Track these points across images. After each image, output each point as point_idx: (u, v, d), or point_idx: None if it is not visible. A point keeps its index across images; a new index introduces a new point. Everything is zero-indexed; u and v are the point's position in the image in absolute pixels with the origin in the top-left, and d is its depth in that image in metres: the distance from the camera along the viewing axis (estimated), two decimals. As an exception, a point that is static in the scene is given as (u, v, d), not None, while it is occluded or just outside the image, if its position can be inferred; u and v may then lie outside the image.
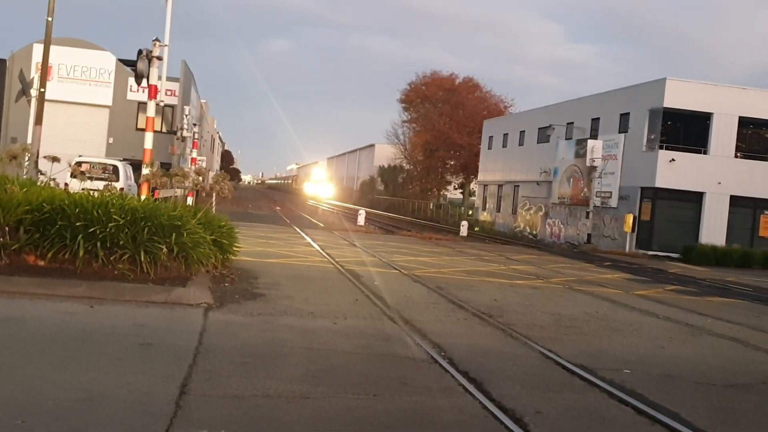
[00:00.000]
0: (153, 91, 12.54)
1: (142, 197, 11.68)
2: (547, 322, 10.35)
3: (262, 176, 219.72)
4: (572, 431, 5.52)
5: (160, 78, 12.79)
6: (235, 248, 12.15)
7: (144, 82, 12.64)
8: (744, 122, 32.80)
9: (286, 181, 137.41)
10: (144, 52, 12.18)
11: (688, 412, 6.24)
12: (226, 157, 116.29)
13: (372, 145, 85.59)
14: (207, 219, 11.41)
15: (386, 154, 71.41)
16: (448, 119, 65.39)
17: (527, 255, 22.73)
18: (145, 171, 12.10)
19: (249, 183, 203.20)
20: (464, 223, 30.68)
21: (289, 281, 11.74)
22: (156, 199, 12.92)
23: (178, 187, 14.04)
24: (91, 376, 5.68)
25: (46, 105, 18.59)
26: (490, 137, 53.20)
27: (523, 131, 47.19)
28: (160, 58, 12.60)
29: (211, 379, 5.94)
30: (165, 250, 9.57)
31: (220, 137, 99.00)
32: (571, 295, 14.14)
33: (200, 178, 12.44)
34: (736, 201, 32.11)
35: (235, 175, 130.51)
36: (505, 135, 50.60)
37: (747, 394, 7.27)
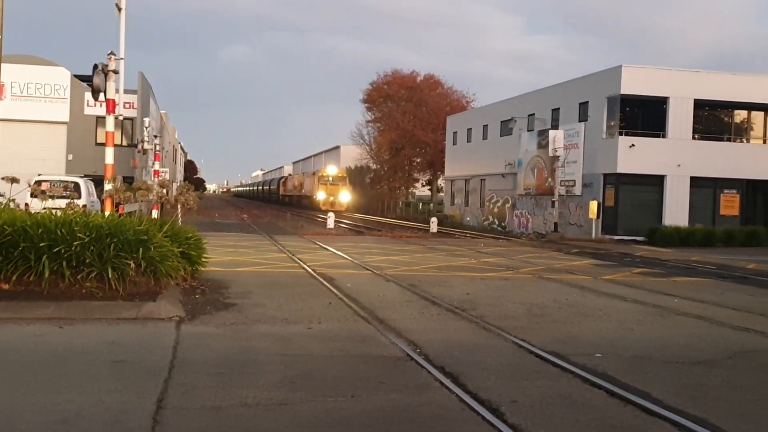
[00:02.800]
0: (111, 106, 12.39)
1: (107, 213, 11.54)
2: (519, 312, 10.50)
3: (227, 184, 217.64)
4: (548, 417, 5.62)
5: (117, 92, 12.63)
6: (204, 259, 12.06)
7: (101, 97, 12.48)
8: (700, 104, 33.56)
9: (259, 188, 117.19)
10: (100, 67, 12.03)
11: (659, 391, 6.40)
12: (190, 167, 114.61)
13: (337, 147, 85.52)
14: (174, 231, 11.32)
15: (352, 154, 71.41)
16: (411, 117, 65.66)
17: (497, 247, 22.97)
18: (107, 186, 11.94)
19: (214, 192, 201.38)
20: (434, 220, 30.82)
21: (261, 289, 11.71)
22: (121, 214, 12.78)
23: (142, 201, 13.83)
24: (65, 398, 5.62)
25: (0, 125, 18.23)
26: (455, 133, 53.56)
27: (486, 125, 47.61)
28: (116, 72, 12.45)
29: (188, 392, 5.92)
30: (132, 265, 9.49)
31: (182, 147, 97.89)
32: (541, 284, 14.34)
33: (164, 191, 12.30)
34: (696, 182, 32.85)
35: (199, 184, 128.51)
36: (469, 130, 50.99)
37: (714, 369, 7.47)
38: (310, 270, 14.57)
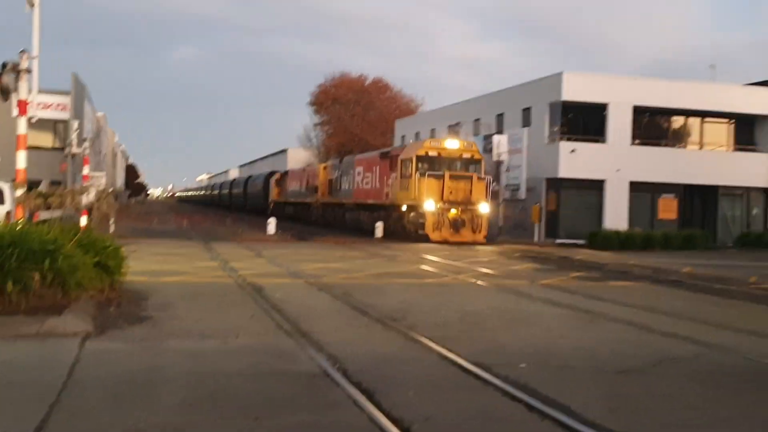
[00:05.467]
0: (22, 107, 11.67)
1: (20, 221, 10.85)
2: (451, 320, 10.25)
3: (172, 189, 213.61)
4: (461, 436, 5.34)
5: (31, 91, 11.92)
6: (124, 269, 11.46)
7: (14, 98, 11.76)
8: (639, 111, 34.21)
9: (209, 192, 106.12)
10: (9, 65, 11.32)
11: (579, 404, 6.19)
12: (131, 172, 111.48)
13: (284, 151, 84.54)
14: (89, 240, 10.71)
15: (300, 158, 70.56)
16: (360, 120, 65.40)
17: (441, 252, 22.80)
18: (17, 193, 11.24)
19: (158, 197, 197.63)
20: (379, 224, 30.43)
21: (183, 300, 11.18)
22: (36, 222, 12.08)
23: (59, 207, 13.15)
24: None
25: None
26: (403, 137, 53.51)
27: (434, 129, 47.70)
28: (29, 71, 11.75)
29: (74, 416, 5.44)
30: (37, 277, 8.87)
31: (122, 151, 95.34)
32: (479, 290, 14.18)
33: (83, 197, 11.66)
34: (635, 186, 33.44)
35: (140, 189, 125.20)
36: (417, 134, 51.02)
37: (638, 378, 7.33)
38: (239, 279, 14.07)
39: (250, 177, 69.78)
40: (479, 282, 15.37)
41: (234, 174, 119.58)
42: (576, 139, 32.99)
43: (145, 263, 15.60)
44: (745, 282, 17.19)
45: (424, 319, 10.19)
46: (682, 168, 34.21)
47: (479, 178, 28.31)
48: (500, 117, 39.23)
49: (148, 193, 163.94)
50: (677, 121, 36.96)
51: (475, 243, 27.49)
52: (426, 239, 27.23)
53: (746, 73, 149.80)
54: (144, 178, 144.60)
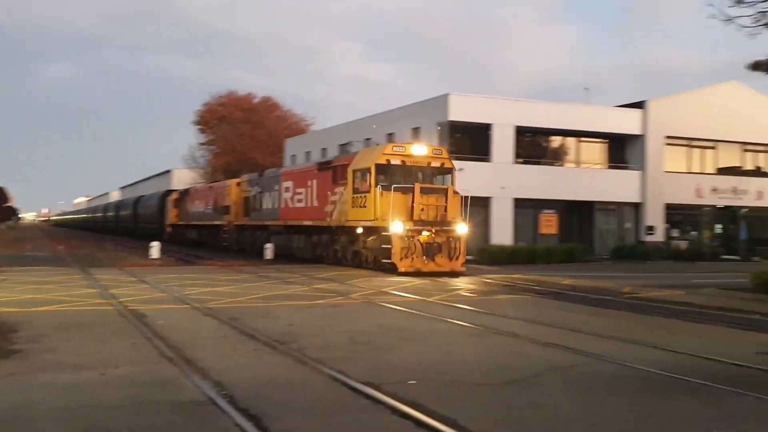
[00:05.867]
0: None
1: None
2: (341, 341, 10.21)
3: (47, 213, 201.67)
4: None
5: None
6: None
7: None
8: (521, 131, 35.84)
9: (89, 215, 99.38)
10: None
11: (466, 417, 6.31)
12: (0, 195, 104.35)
13: (168, 171, 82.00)
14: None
15: (185, 179, 68.52)
16: (248, 139, 64.44)
17: (332, 272, 22.70)
18: None
19: (32, 222, 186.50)
20: (268, 246, 29.96)
21: (58, 331, 10.51)
22: None
23: None
24: None
25: None
26: (293, 156, 53.23)
27: (325, 148, 47.77)
28: None
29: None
30: None
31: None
32: (370, 309, 14.22)
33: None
34: (519, 203, 34.92)
35: (9, 214, 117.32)
36: (308, 153, 50.92)
37: (521, 389, 7.57)
38: (120, 307, 13.40)
39: (141, 197, 63.81)
40: (371, 301, 15.42)
41: (115, 196, 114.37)
42: (464, 158, 34.01)
43: (16, 293, 14.59)
44: (620, 292, 18.25)
45: (313, 342, 10.08)
46: (561, 185, 36.09)
47: (455, 192, 23.30)
48: (390, 136, 39.82)
49: (20, 217, 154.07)
50: (556, 141, 38.97)
51: (453, 273, 22.33)
52: (391, 269, 21.98)
53: (618, 94, 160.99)
54: (14, 201, 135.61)
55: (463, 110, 34.68)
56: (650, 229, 39.47)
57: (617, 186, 37.80)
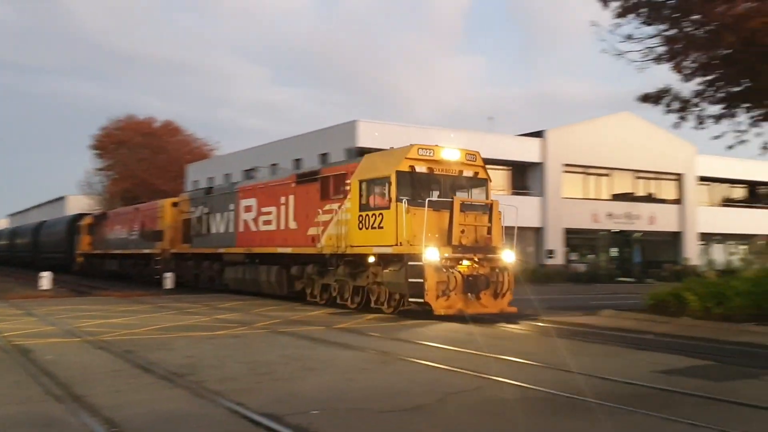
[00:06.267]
0: None
1: None
2: (242, 372, 9.88)
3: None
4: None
5: None
6: None
7: None
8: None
9: None
10: None
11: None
12: None
13: (62, 198, 78.31)
14: None
15: (80, 206, 65.40)
16: (148, 165, 62.49)
17: (235, 302, 22.10)
18: None
19: None
20: (168, 274, 28.75)
21: (-71, 371, 9.65)
22: None
23: None
24: None
25: None
26: (195, 181, 52.03)
27: (229, 174, 46.97)
28: None
29: None
30: None
31: None
32: (273, 339, 13.89)
33: None
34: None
35: None
36: (211, 178, 49.90)
37: (425, 414, 7.55)
38: (3, 342, 12.48)
39: (44, 223, 56.87)
40: (274, 331, 15.09)
41: (4, 224, 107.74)
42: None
43: None
44: (524, 315, 18.67)
45: (212, 374, 9.71)
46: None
47: (496, 214, 17.89)
48: (298, 162, 39.70)
49: None
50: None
51: (502, 314, 17.35)
52: (425, 312, 17.05)
53: (521, 123, 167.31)
54: None
55: (371, 137, 35.01)
56: (550, 253, 40.99)
57: (519, 211, 38.96)
